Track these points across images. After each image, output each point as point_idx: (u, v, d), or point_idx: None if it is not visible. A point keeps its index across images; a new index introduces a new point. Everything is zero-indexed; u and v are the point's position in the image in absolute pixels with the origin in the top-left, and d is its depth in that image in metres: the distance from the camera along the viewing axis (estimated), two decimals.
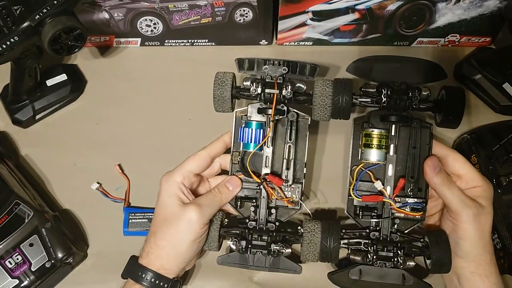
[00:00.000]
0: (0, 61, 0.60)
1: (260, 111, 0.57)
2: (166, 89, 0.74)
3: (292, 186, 0.57)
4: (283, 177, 0.57)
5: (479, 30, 0.73)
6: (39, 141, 0.71)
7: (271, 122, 0.56)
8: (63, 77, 0.73)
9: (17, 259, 0.57)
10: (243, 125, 0.58)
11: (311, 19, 0.72)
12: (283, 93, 0.56)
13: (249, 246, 0.55)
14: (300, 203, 0.57)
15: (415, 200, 0.55)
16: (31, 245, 0.57)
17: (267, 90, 0.56)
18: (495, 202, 0.58)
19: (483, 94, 0.71)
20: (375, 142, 0.57)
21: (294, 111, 0.57)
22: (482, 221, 0.52)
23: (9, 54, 0.59)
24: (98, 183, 0.66)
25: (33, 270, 0.57)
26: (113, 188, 0.67)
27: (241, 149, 0.58)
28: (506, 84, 0.68)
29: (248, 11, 0.71)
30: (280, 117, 0.57)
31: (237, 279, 0.61)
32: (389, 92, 0.55)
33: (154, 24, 0.74)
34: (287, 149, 0.57)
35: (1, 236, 0.57)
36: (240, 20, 0.73)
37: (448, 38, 0.75)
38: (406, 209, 0.55)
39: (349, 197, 0.57)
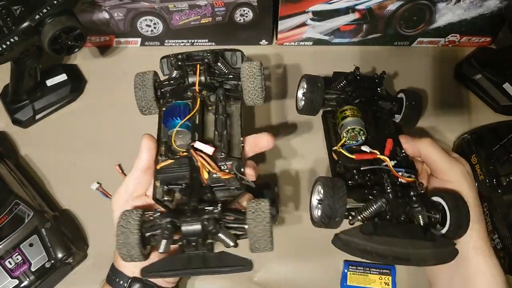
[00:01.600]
0: (0, 61, 0.60)
1: (184, 89, 0.53)
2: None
3: (229, 162, 0.49)
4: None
5: (479, 30, 0.73)
6: (39, 141, 0.71)
7: (198, 99, 0.52)
8: (63, 77, 0.73)
9: (17, 259, 0.57)
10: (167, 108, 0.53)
11: (311, 19, 0.72)
12: (207, 72, 0.54)
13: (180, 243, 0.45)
14: (241, 179, 0.48)
15: (407, 166, 0.52)
16: (31, 245, 0.57)
17: (188, 64, 0.54)
18: (495, 202, 0.59)
19: (483, 94, 0.71)
20: (352, 112, 0.55)
21: (223, 88, 0.54)
22: (470, 181, 0.51)
23: (9, 54, 0.59)
24: (98, 183, 0.66)
25: (33, 270, 0.57)
26: (113, 188, 0.67)
27: (168, 135, 0.51)
28: (506, 84, 0.68)
29: (248, 11, 0.71)
30: (209, 94, 0.53)
31: (237, 279, 0.61)
32: (353, 81, 0.59)
33: (154, 24, 0.74)
34: (219, 122, 0.51)
35: (1, 236, 0.57)
36: (240, 20, 0.73)
37: (448, 38, 0.75)
38: (401, 174, 0.51)
39: (333, 167, 0.54)
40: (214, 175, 0.48)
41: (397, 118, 0.61)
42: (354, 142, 0.54)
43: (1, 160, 0.65)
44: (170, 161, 0.49)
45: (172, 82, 0.56)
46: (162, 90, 0.56)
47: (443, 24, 0.72)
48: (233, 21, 0.73)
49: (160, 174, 0.49)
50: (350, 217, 0.48)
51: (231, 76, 0.56)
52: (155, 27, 0.74)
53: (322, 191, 0.47)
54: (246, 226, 0.45)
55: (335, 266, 0.60)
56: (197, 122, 0.51)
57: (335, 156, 0.54)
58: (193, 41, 0.77)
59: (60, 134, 0.71)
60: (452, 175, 0.51)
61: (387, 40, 0.76)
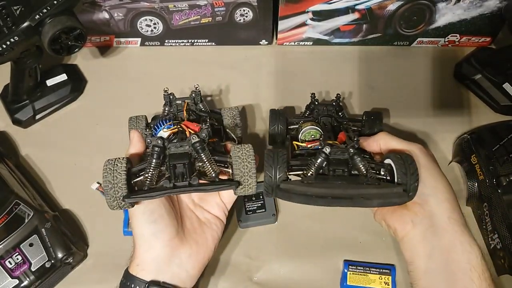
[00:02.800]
0: (0, 61, 0.60)
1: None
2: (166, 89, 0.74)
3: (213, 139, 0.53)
4: None
5: (479, 30, 0.73)
6: (39, 141, 0.71)
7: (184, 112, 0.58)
8: (63, 77, 0.73)
9: (17, 259, 0.57)
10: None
11: (311, 19, 0.72)
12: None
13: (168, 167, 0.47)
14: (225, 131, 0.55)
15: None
16: (31, 245, 0.57)
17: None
18: (495, 202, 0.59)
19: (483, 94, 0.71)
20: (309, 124, 0.59)
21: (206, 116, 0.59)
22: (430, 158, 0.52)
23: (9, 54, 0.59)
24: (98, 183, 0.66)
25: (33, 270, 0.57)
26: None
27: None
28: (506, 84, 0.68)
29: (248, 11, 0.71)
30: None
31: (237, 279, 0.61)
32: (313, 107, 0.62)
33: (154, 24, 0.74)
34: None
35: (1, 236, 0.57)
36: (240, 20, 0.73)
37: (448, 38, 0.75)
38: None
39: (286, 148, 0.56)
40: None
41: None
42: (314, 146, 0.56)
43: (1, 160, 0.65)
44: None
45: (151, 169, 0.48)
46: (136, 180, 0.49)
47: (443, 24, 0.72)
48: (233, 21, 0.73)
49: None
50: (301, 178, 0.49)
51: (213, 114, 0.61)
52: (155, 27, 0.74)
53: (264, 164, 0.48)
54: (229, 160, 0.49)
55: (335, 266, 0.60)
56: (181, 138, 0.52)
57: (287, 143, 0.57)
58: (193, 41, 0.77)
59: (60, 134, 0.71)
60: (413, 153, 0.51)
61: (387, 40, 0.76)
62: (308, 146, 0.56)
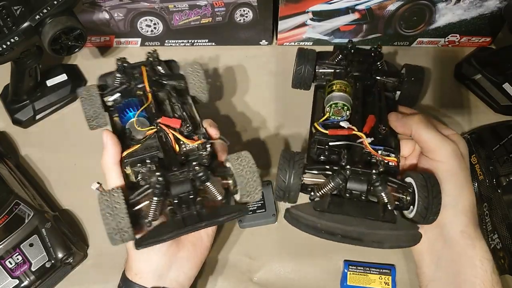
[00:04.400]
0: (0, 61, 0.60)
1: (133, 90, 0.55)
2: None
3: (195, 137, 0.50)
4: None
5: (479, 30, 0.73)
6: (39, 141, 0.71)
7: (149, 94, 0.53)
8: (63, 77, 0.73)
9: (17, 259, 0.57)
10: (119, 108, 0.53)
11: (311, 19, 0.72)
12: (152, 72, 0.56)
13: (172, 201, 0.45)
14: (210, 144, 0.49)
15: (387, 145, 0.49)
16: (31, 245, 0.57)
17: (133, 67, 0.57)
18: (495, 202, 0.58)
19: (483, 94, 0.71)
20: (339, 86, 0.53)
21: (170, 84, 0.56)
22: (461, 162, 0.49)
23: (9, 54, 0.59)
24: (98, 183, 0.66)
25: (33, 270, 0.57)
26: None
27: (127, 127, 0.51)
28: (506, 84, 0.68)
29: (248, 11, 0.71)
30: (158, 91, 0.55)
31: (237, 279, 0.61)
32: (348, 55, 0.57)
33: (154, 24, 0.74)
34: (176, 108, 0.53)
35: (1, 236, 0.57)
36: (240, 20, 0.73)
37: (448, 38, 0.75)
38: (379, 152, 0.48)
39: (311, 142, 0.51)
40: (185, 147, 0.49)
41: (397, 94, 0.59)
42: (339, 117, 0.52)
43: (1, 160, 0.65)
44: (135, 147, 0.49)
45: (117, 89, 0.56)
46: (110, 100, 0.55)
47: (443, 24, 0.72)
48: (233, 21, 0.73)
49: (127, 159, 0.48)
50: (312, 193, 0.47)
51: (175, 76, 0.58)
52: (155, 27, 0.74)
53: (278, 166, 0.46)
54: (229, 165, 0.47)
55: (335, 266, 0.60)
56: (153, 111, 0.51)
57: (313, 130, 0.52)
58: (193, 41, 0.77)
59: (60, 134, 0.71)
60: (443, 154, 0.48)
61: (387, 40, 0.76)
62: (331, 134, 0.50)
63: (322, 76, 0.59)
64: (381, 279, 0.59)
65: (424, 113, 0.53)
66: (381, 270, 0.59)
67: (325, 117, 0.52)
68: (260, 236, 0.63)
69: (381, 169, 0.46)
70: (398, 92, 0.59)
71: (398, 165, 0.49)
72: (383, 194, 0.45)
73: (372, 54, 0.58)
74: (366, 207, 0.44)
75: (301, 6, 0.70)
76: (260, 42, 0.77)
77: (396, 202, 0.46)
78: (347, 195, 0.45)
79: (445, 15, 0.71)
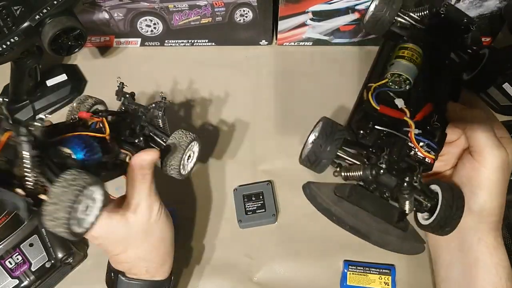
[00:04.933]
0: (0, 61, 0.60)
1: None
2: (165, 89, 0.74)
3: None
4: None
5: (479, 30, 0.73)
6: None
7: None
8: (63, 77, 0.73)
9: (17, 259, 0.57)
10: None
11: (311, 19, 0.72)
12: None
13: None
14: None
15: (433, 139, 0.45)
16: (31, 245, 0.57)
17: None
18: None
19: (483, 94, 0.71)
20: (410, 55, 0.48)
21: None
22: (505, 173, 0.46)
23: (9, 54, 0.59)
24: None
25: (33, 270, 0.57)
26: (113, 188, 0.67)
27: None
28: (506, 84, 0.68)
29: (248, 11, 0.71)
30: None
31: (237, 279, 0.61)
32: (436, 16, 0.50)
33: (154, 24, 0.74)
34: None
35: (1, 236, 0.57)
36: (240, 20, 0.73)
37: None
38: (421, 146, 0.45)
39: (357, 108, 0.48)
40: None
41: (467, 75, 0.55)
42: (397, 87, 0.48)
43: None
44: None
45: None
46: None
47: None
48: (233, 21, 0.73)
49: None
50: (338, 169, 0.44)
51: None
52: (155, 27, 0.74)
53: (319, 129, 0.44)
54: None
55: (335, 266, 0.60)
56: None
57: (365, 95, 0.47)
58: (193, 41, 0.77)
59: None
60: (490, 163, 0.46)
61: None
62: (381, 111, 0.46)
63: (397, 24, 0.52)
64: (381, 279, 0.59)
65: (485, 108, 0.50)
66: (381, 270, 0.59)
67: (383, 81, 0.48)
68: (260, 236, 0.63)
69: (414, 182, 0.44)
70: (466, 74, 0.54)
71: (434, 163, 0.46)
72: (407, 206, 0.44)
73: (464, 21, 0.51)
74: (384, 207, 0.43)
75: (301, 6, 0.69)
76: (260, 42, 0.77)
77: (415, 204, 0.45)
78: (371, 188, 0.43)
79: None
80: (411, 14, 0.53)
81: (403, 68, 0.48)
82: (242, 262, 0.62)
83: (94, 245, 0.63)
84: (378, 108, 0.45)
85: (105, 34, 0.76)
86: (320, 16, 0.71)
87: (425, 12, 0.52)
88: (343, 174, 0.44)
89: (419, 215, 0.46)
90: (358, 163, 0.44)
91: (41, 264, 0.57)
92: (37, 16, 0.57)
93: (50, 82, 0.72)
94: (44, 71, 0.71)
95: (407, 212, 0.44)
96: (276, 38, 0.77)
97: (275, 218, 0.63)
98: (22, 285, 0.56)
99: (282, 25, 0.73)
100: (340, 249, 0.61)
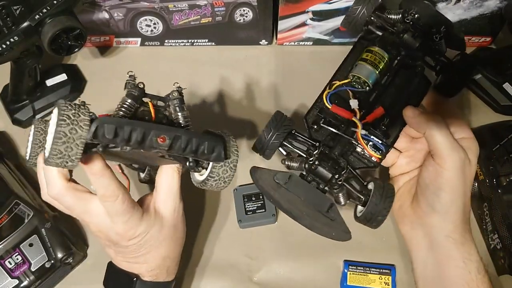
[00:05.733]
0: (0, 61, 0.60)
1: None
2: (166, 89, 0.74)
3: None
4: None
5: (480, 30, 0.73)
6: None
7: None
8: (63, 77, 0.73)
9: (17, 259, 0.57)
10: None
11: (311, 19, 0.72)
12: None
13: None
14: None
15: (380, 140, 0.49)
16: (30, 245, 0.57)
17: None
18: (495, 202, 0.58)
19: (483, 94, 0.71)
20: (373, 59, 0.50)
21: None
22: (466, 173, 0.48)
23: (9, 54, 0.59)
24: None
25: (32, 270, 0.57)
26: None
27: None
28: (506, 84, 0.68)
29: (248, 11, 0.71)
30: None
31: (237, 279, 0.61)
32: (411, 22, 0.51)
33: (154, 24, 0.73)
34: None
35: (1, 236, 0.57)
36: (240, 20, 0.73)
37: None
38: (368, 146, 0.49)
39: (316, 103, 0.51)
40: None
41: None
42: (358, 87, 0.50)
43: (1, 160, 0.65)
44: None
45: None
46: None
47: None
48: (233, 21, 0.73)
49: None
50: (284, 158, 0.50)
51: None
52: (155, 27, 0.74)
53: (269, 120, 0.49)
54: None
55: (335, 266, 0.60)
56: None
57: (327, 91, 0.51)
58: (193, 41, 0.77)
59: None
60: (450, 164, 0.48)
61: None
62: (332, 110, 0.49)
63: (371, 25, 0.54)
64: (381, 279, 0.59)
65: (452, 111, 0.53)
66: (381, 270, 0.59)
67: (345, 81, 0.51)
68: (260, 236, 0.63)
69: (343, 177, 0.48)
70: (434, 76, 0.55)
71: (380, 161, 0.50)
72: (339, 194, 0.49)
73: (436, 29, 0.52)
74: (317, 197, 0.46)
75: (301, 6, 0.69)
76: (260, 42, 0.77)
77: (352, 199, 0.50)
78: (309, 178, 0.47)
79: (445, 15, 0.70)
80: (388, 16, 0.54)
81: (363, 72, 0.50)
82: (242, 262, 0.62)
83: (94, 245, 0.63)
84: (330, 107, 0.49)
85: (105, 34, 0.76)
86: (320, 16, 0.71)
87: (398, 16, 0.53)
88: (285, 163, 0.50)
89: (358, 208, 0.50)
90: (303, 155, 0.49)
91: (41, 264, 0.57)
92: (37, 16, 0.57)
93: (50, 82, 0.72)
94: (44, 71, 0.71)
95: (342, 204, 0.49)
96: (276, 38, 0.77)
97: (275, 218, 0.63)
98: (22, 285, 0.56)
99: (282, 24, 0.73)
100: (340, 249, 0.61)
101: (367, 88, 0.50)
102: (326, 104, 0.50)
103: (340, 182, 0.48)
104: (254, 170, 0.48)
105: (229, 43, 0.77)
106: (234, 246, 0.62)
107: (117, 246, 0.49)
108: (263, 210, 0.63)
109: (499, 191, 0.58)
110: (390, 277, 0.59)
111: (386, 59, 0.51)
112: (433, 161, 0.49)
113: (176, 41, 0.77)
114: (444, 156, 0.48)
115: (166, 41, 0.77)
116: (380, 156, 0.50)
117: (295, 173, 0.47)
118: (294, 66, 0.76)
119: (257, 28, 0.74)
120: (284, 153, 0.50)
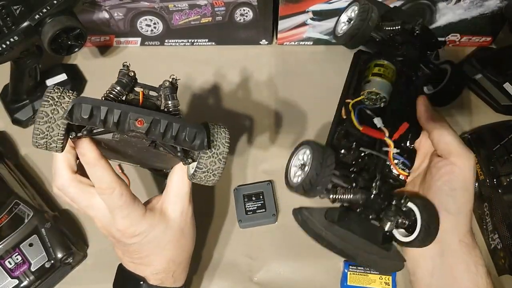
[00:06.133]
0: (0, 61, 0.60)
1: None
2: None
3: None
4: None
5: (480, 30, 0.73)
6: None
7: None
8: (63, 77, 0.73)
9: (17, 259, 0.57)
10: None
11: (311, 19, 0.72)
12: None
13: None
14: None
15: (408, 158, 0.48)
16: (30, 245, 0.57)
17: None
18: (495, 202, 0.58)
19: (483, 94, 0.71)
20: (386, 73, 0.49)
21: None
22: (475, 174, 0.48)
23: (9, 54, 0.59)
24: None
25: (32, 270, 0.57)
26: None
27: None
28: (507, 84, 0.68)
29: (248, 10, 0.71)
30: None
31: (237, 279, 0.61)
32: (407, 34, 0.51)
33: (154, 24, 0.73)
34: None
35: (1, 236, 0.57)
36: (240, 19, 0.72)
37: (448, 37, 0.75)
38: (398, 165, 0.47)
39: (337, 127, 0.49)
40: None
41: (428, 90, 0.55)
42: (371, 104, 0.49)
43: (1, 160, 0.65)
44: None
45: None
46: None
47: (444, 24, 0.72)
48: (233, 21, 0.73)
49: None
50: (325, 191, 0.45)
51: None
52: (155, 27, 0.74)
53: (309, 155, 0.43)
54: None
55: (335, 266, 0.60)
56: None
57: (343, 114, 0.49)
58: (193, 40, 0.77)
59: None
60: (466, 162, 0.47)
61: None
62: (363, 132, 0.47)
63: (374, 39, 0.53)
64: (381, 279, 0.59)
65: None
66: None
67: (359, 98, 0.49)
68: (260, 236, 0.63)
69: (400, 205, 0.45)
70: (428, 88, 0.55)
71: (407, 179, 0.49)
72: (388, 223, 0.45)
73: (434, 41, 0.53)
74: (369, 229, 0.45)
75: (301, 6, 0.69)
76: (260, 42, 0.77)
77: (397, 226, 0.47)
78: (358, 210, 0.45)
79: (446, 15, 0.70)
80: (386, 28, 0.54)
81: (380, 86, 0.49)
82: (242, 262, 0.62)
83: (94, 245, 0.63)
84: (361, 128, 0.46)
85: (105, 34, 0.76)
86: (320, 15, 0.71)
87: (397, 27, 0.53)
88: (331, 196, 0.45)
89: (396, 232, 0.47)
90: (345, 185, 0.45)
91: (40, 264, 0.57)
92: (37, 16, 0.57)
93: (50, 82, 0.72)
94: (44, 71, 0.71)
95: (386, 230, 0.45)
96: (276, 38, 0.77)
97: (275, 218, 0.63)
98: (22, 285, 0.56)
99: (282, 24, 0.73)
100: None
101: (383, 104, 0.49)
102: (357, 125, 0.47)
103: (395, 212, 0.45)
104: (299, 211, 0.45)
105: (229, 43, 0.77)
106: (234, 246, 0.62)
107: (121, 244, 0.49)
108: (263, 210, 0.62)
109: (500, 191, 0.58)
110: (390, 277, 0.59)
111: (395, 71, 0.50)
112: (447, 160, 0.48)
113: (176, 41, 0.77)
114: (461, 154, 0.47)
115: (166, 41, 0.77)
116: (407, 174, 0.48)
117: (343, 208, 0.45)
118: (294, 66, 0.76)
119: (257, 28, 0.74)
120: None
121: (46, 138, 0.41)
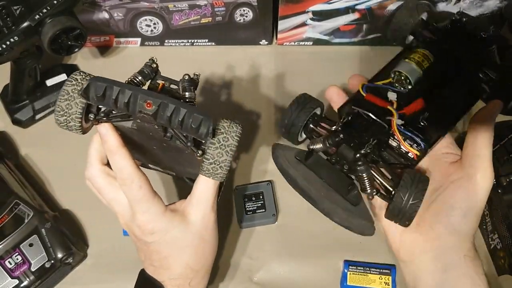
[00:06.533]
0: (0, 61, 0.60)
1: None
2: None
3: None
4: None
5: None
6: (39, 141, 0.70)
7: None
8: (63, 77, 0.73)
9: (17, 259, 0.57)
10: None
11: (311, 19, 0.72)
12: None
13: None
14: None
15: (419, 136, 0.45)
16: (30, 245, 0.57)
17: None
18: (495, 202, 0.58)
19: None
20: (416, 57, 0.49)
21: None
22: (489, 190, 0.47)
23: (9, 54, 0.59)
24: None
25: (32, 270, 0.57)
26: None
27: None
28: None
29: (248, 11, 0.71)
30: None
31: (237, 279, 0.61)
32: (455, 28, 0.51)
33: (154, 24, 0.74)
34: None
35: (1, 236, 0.57)
36: (240, 20, 0.73)
37: None
38: (405, 140, 0.45)
39: (350, 98, 0.50)
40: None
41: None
42: (399, 87, 0.49)
43: (1, 160, 0.65)
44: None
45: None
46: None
47: None
48: (233, 21, 0.73)
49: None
50: (303, 134, 0.49)
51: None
52: (155, 27, 0.74)
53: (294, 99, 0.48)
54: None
55: (335, 266, 0.60)
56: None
57: (363, 82, 0.50)
58: (193, 41, 0.77)
59: (60, 134, 0.71)
60: (487, 184, 0.46)
61: (387, 40, 0.75)
62: (366, 99, 0.47)
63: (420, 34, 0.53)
64: (381, 279, 0.59)
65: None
66: (381, 270, 0.59)
67: (386, 80, 0.50)
68: (260, 236, 0.63)
69: (368, 150, 0.44)
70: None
71: (419, 160, 0.46)
72: (363, 175, 0.44)
73: (484, 36, 0.51)
74: (340, 179, 0.44)
75: (301, 6, 0.69)
76: (260, 42, 0.77)
77: (382, 192, 0.45)
78: (333, 160, 0.45)
79: None
80: (434, 24, 0.54)
81: (405, 68, 0.49)
82: (242, 262, 0.62)
83: (94, 245, 0.63)
84: (365, 95, 0.48)
85: (105, 34, 0.76)
86: (320, 16, 0.71)
87: (445, 22, 0.53)
88: (310, 147, 0.47)
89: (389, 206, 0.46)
90: (321, 134, 0.48)
91: (41, 264, 0.57)
92: (37, 16, 0.57)
93: (50, 82, 0.72)
94: (44, 71, 0.71)
95: (368, 192, 0.44)
96: (276, 38, 0.77)
97: (275, 218, 0.63)
98: (22, 285, 0.56)
99: (282, 24, 0.73)
100: (340, 249, 0.61)
101: (409, 86, 0.49)
102: (361, 92, 0.48)
103: (362, 160, 0.43)
104: (276, 147, 0.47)
105: (229, 43, 0.77)
106: (234, 246, 0.62)
107: (141, 243, 0.49)
108: (263, 210, 0.63)
109: (499, 191, 0.58)
110: (390, 277, 0.59)
111: (431, 60, 0.50)
112: (464, 174, 0.47)
113: (176, 41, 0.77)
114: (487, 173, 0.46)
115: (166, 41, 0.77)
116: (417, 152, 0.45)
117: (315, 154, 0.46)
118: (294, 66, 0.76)
119: (257, 28, 0.74)
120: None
121: (66, 115, 0.44)
